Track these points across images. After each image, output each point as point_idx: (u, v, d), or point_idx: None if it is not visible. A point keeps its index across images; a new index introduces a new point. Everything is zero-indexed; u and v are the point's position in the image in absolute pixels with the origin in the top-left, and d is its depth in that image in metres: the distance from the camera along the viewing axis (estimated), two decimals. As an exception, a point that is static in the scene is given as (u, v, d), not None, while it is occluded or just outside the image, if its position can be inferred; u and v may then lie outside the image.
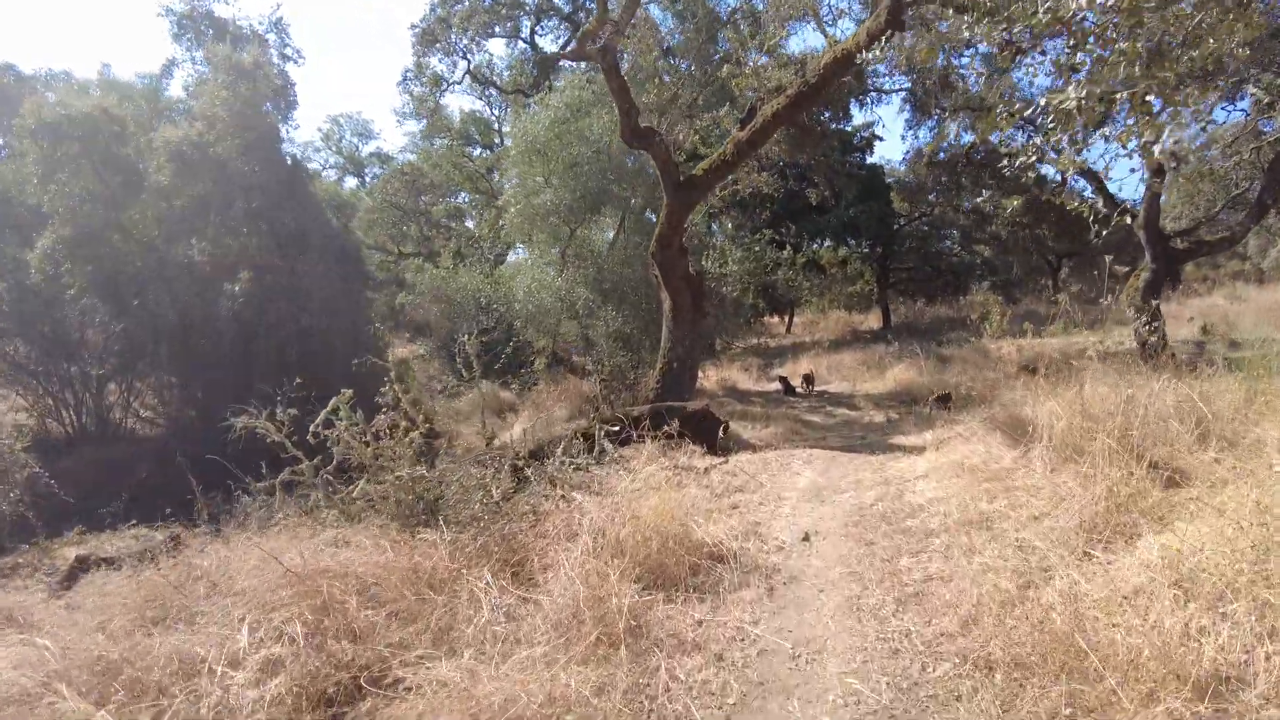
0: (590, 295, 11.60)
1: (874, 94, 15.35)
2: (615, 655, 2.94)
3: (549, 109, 11.50)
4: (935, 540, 3.77)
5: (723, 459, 6.60)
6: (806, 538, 4.30)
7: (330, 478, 5.32)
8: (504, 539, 4.18)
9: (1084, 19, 2.62)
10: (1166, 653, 2.19)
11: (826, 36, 7.55)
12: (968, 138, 15.99)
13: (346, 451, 4.89)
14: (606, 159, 11.55)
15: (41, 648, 3.11)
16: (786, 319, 28.01)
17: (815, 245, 24.35)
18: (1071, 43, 2.76)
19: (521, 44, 18.60)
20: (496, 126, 23.36)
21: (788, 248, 11.35)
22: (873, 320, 25.53)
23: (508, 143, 14.23)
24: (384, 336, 16.53)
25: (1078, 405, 4.72)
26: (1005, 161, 4.30)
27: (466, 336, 6.15)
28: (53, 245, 10.53)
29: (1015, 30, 2.81)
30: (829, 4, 9.96)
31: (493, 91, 21.86)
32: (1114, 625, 2.41)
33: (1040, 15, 2.62)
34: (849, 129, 20.59)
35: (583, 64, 13.02)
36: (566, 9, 17.21)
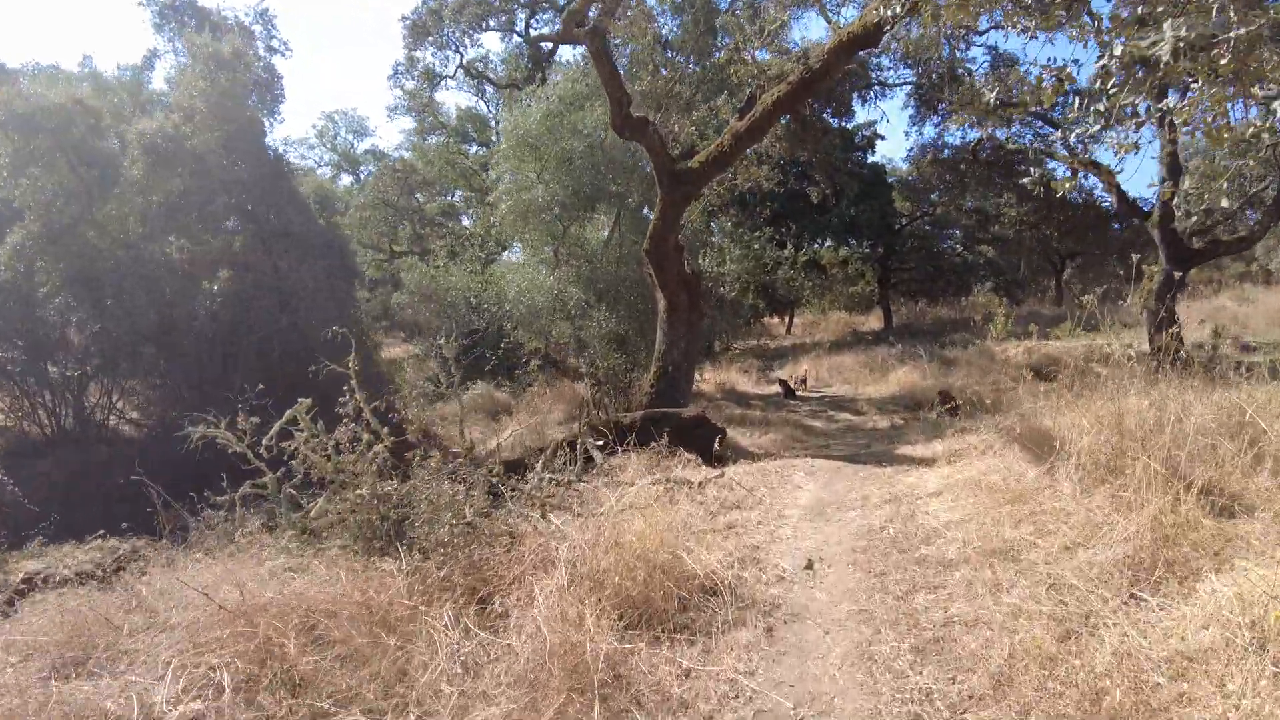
0: (583, 295, 11.18)
1: (878, 87, 14.94)
2: (588, 718, 2.53)
3: (541, 102, 11.08)
4: (954, 573, 3.36)
5: (719, 470, 6.18)
6: (810, 566, 3.89)
7: (294, 492, 4.91)
8: (472, 567, 3.77)
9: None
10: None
11: (830, 23, 7.14)
12: (974, 134, 15.61)
13: (305, 466, 4.47)
14: (601, 153, 11.14)
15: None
16: (787, 320, 27.62)
17: (816, 245, 23.95)
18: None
19: (516, 38, 18.18)
20: (493, 123, 22.93)
21: (788, 246, 10.92)
22: (874, 321, 25.14)
23: (502, 138, 13.80)
24: (373, 336, 16.12)
25: (1107, 417, 4.31)
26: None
27: (445, 339, 5.75)
28: (22, 241, 10.11)
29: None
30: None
31: (489, 88, 21.47)
32: (1183, 698, 2.00)
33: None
34: (851, 126, 20.19)
35: (579, 57, 12.62)
36: (561, 1, 16.80)
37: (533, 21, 17.22)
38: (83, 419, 13.21)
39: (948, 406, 7.35)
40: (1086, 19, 2.71)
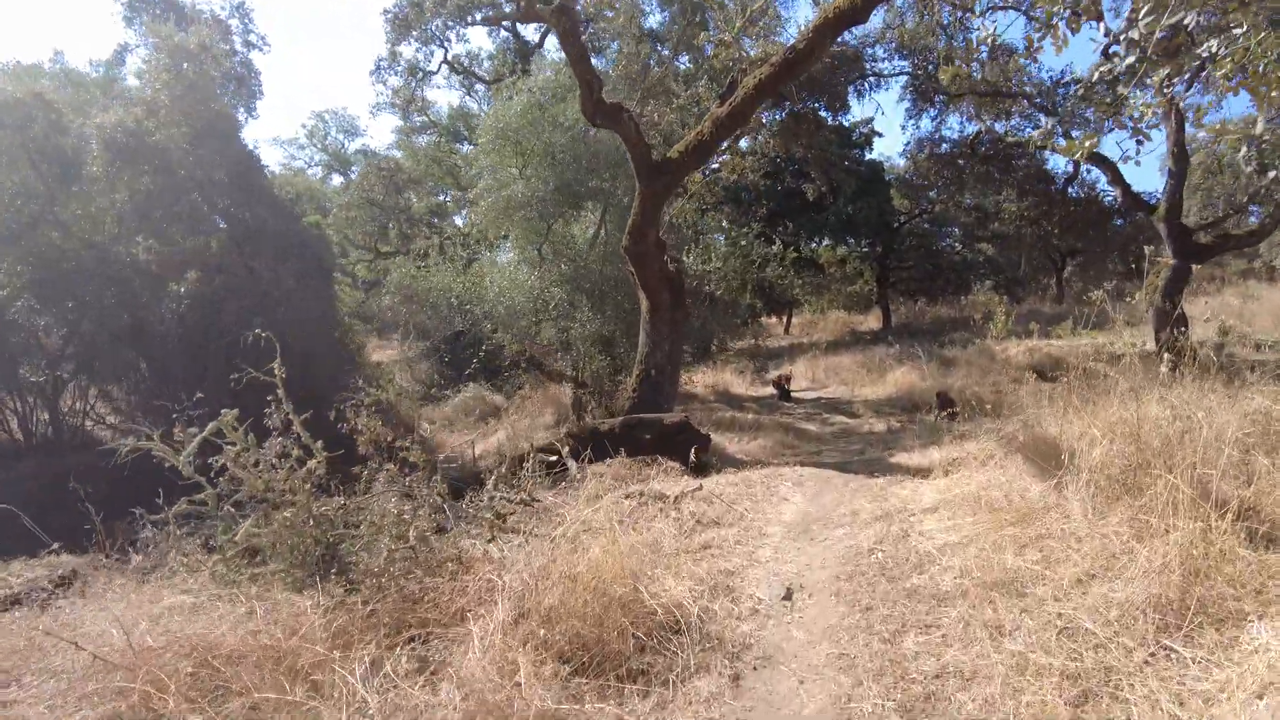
0: (566, 295, 10.75)
1: (873, 78, 14.47)
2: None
3: (522, 93, 10.65)
4: (950, 610, 2.92)
5: (699, 483, 5.75)
6: (789, 595, 3.46)
7: (234, 509, 4.48)
8: (406, 601, 3.34)
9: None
10: None
11: (818, 2, 6.71)
12: (972, 128, 15.19)
13: (232, 484, 4.05)
14: (585, 148, 10.70)
15: None
16: (784, 320, 27.19)
17: (814, 244, 23.53)
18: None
19: (504, 32, 17.74)
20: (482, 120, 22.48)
21: (777, 242, 10.48)
22: (872, 321, 24.73)
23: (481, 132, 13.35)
24: (356, 339, 15.68)
25: (1119, 426, 3.88)
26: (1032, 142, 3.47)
27: (428, 341, 5.34)
28: (-20, 242, 9.69)
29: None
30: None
31: (481, 88, 21.03)
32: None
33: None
34: (847, 124, 19.77)
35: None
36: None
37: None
38: (57, 424, 12.83)
39: (947, 412, 6.91)
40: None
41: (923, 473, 5.48)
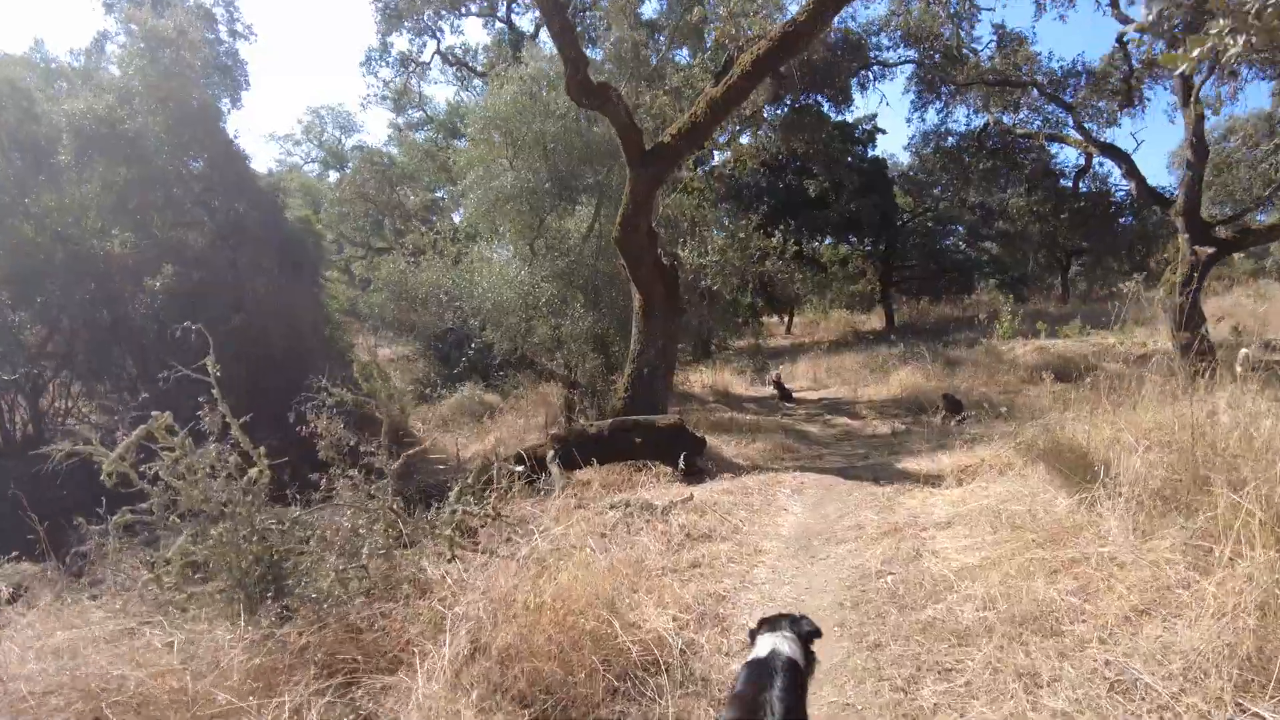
0: (558, 291, 10.32)
1: (877, 67, 14.01)
2: None
3: (513, 81, 10.22)
4: (973, 650, 2.50)
5: (691, 491, 5.33)
6: (785, 627, 3.03)
7: (179, 520, 4.06)
8: (348, 632, 2.93)
9: None
10: None
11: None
12: (980, 120, 14.73)
13: (172, 494, 3.65)
14: (578, 137, 10.28)
15: None
16: (786, 319, 26.75)
17: (816, 242, 23.09)
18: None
19: (499, 24, 17.32)
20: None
21: (776, 235, 10.05)
22: (875, 320, 24.28)
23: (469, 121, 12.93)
24: (348, 337, 15.27)
25: (1155, 431, 3.47)
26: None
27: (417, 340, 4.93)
28: (-53, 234, 9.30)
29: None
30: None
31: (478, 82, 20.62)
32: None
33: None
34: (851, 120, 19.32)
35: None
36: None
37: (514, 6, 16.39)
38: (39, 424, 12.47)
39: (959, 418, 6.46)
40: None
41: (933, 480, 5.05)
